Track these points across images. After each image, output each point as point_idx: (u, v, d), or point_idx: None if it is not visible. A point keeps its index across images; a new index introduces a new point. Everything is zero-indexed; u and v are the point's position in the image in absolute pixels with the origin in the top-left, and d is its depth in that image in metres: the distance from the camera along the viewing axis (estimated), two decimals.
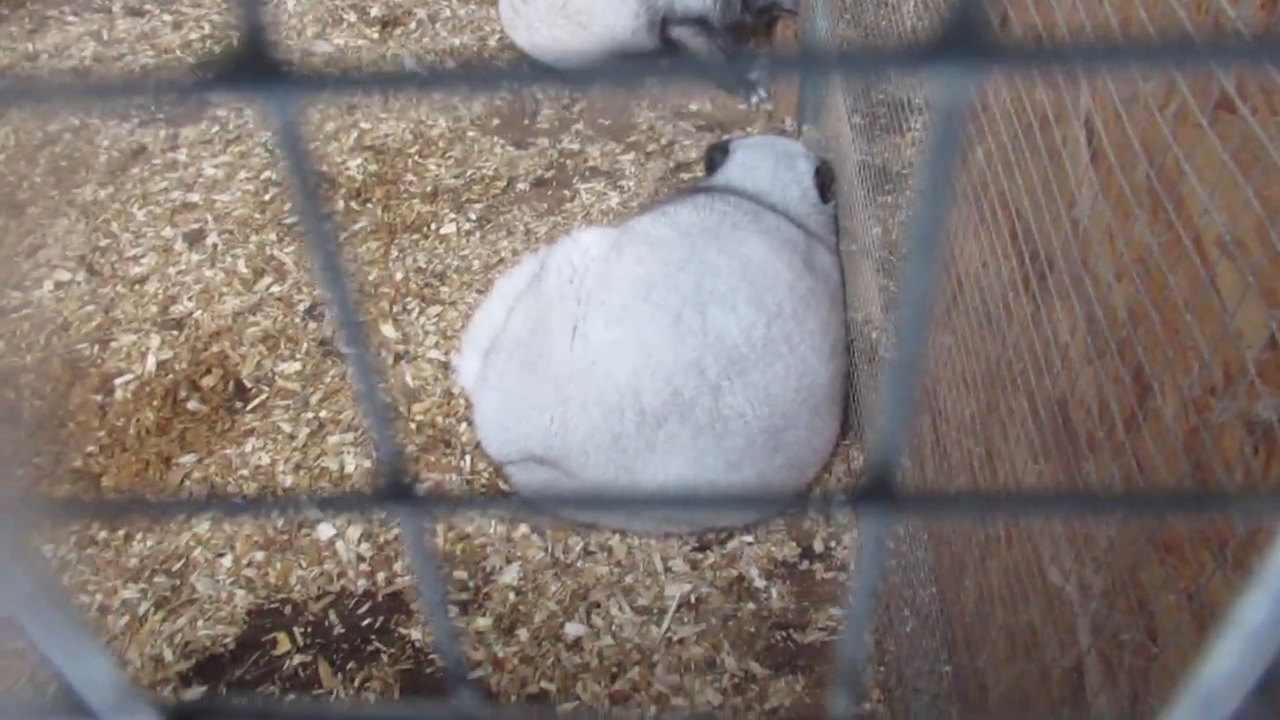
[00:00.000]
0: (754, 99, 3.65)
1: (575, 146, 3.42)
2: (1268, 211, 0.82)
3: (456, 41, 3.92)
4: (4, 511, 0.26)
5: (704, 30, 3.66)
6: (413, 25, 4.03)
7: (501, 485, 2.35)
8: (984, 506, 0.27)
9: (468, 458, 2.41)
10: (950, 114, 0.22)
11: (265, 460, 2.42)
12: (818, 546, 2.25)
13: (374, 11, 4.08)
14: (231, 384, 2.61)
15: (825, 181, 2.65)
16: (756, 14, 3.73)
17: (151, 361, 2.65)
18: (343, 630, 2.10)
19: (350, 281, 0.26)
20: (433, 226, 3.07)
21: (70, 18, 4.11)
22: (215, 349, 2.69)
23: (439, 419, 2.51)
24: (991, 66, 0.21)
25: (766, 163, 2.66)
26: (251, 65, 0.22)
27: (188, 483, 2.37)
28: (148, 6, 4.18)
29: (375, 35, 3.96)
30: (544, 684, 2.00)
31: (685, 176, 3.27)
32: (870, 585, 0.27)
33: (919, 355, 0.24)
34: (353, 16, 4.06)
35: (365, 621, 2.11)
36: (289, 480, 2.37)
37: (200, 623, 2.10)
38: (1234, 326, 0.87)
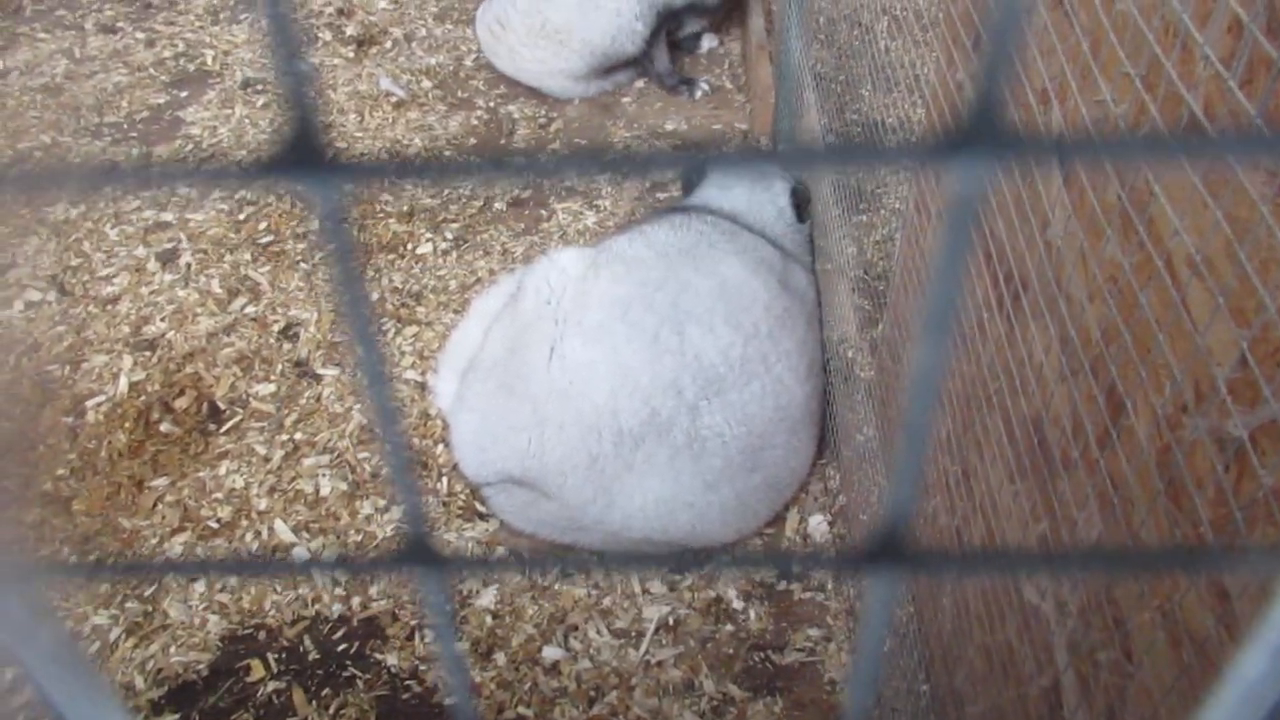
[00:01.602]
0: (698, 94, 3.79)
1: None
2: (1236, 233, 0.83)
3: (432, 61, 3.92)
4: (25, 572, 0.26)
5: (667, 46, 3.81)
6: (388, 44, 4.02)
7: (478, 507, 2.34)
8: (996, 565, 0.27)
9: (445, 479, 2.40)
10: (966, 202, 0.22)
11: (239, 483, 2.39)
12: (795, 567, 2.25)
13: (349, 30, 4.08)
14: (205, 406, 2.58)
15: (801, 202, 2.67)
16: None
17: (123, 383, 2.62)
18: (318, 656, 2.07)
19: (387, 367, 0.27)
20: (409, 246, 3.06)
21: (41, 34, 4.08)
22: (189, 370, 2.66)
23: (415, 440, 2.49)
24: (1009, 158, 0.21)
25: (742, 183, 2.67)
26: (301, 153, 0.23)
27: (160, 506, 2.34)
28: (120, 24, 4.16)
29: (351, 54, 3.95)
30: (521, 709, 1.98)
31: (661, 196, 3.28)
32: (877, 648, 0.27)
33: (929, 422, 0.24)
34: (328, 35, 4.05)
35: (341, 647, 2.09)
36: (263, 504, 2.34)
37: (172, 649, 2.07)
38: (1205, 345, 0.88)
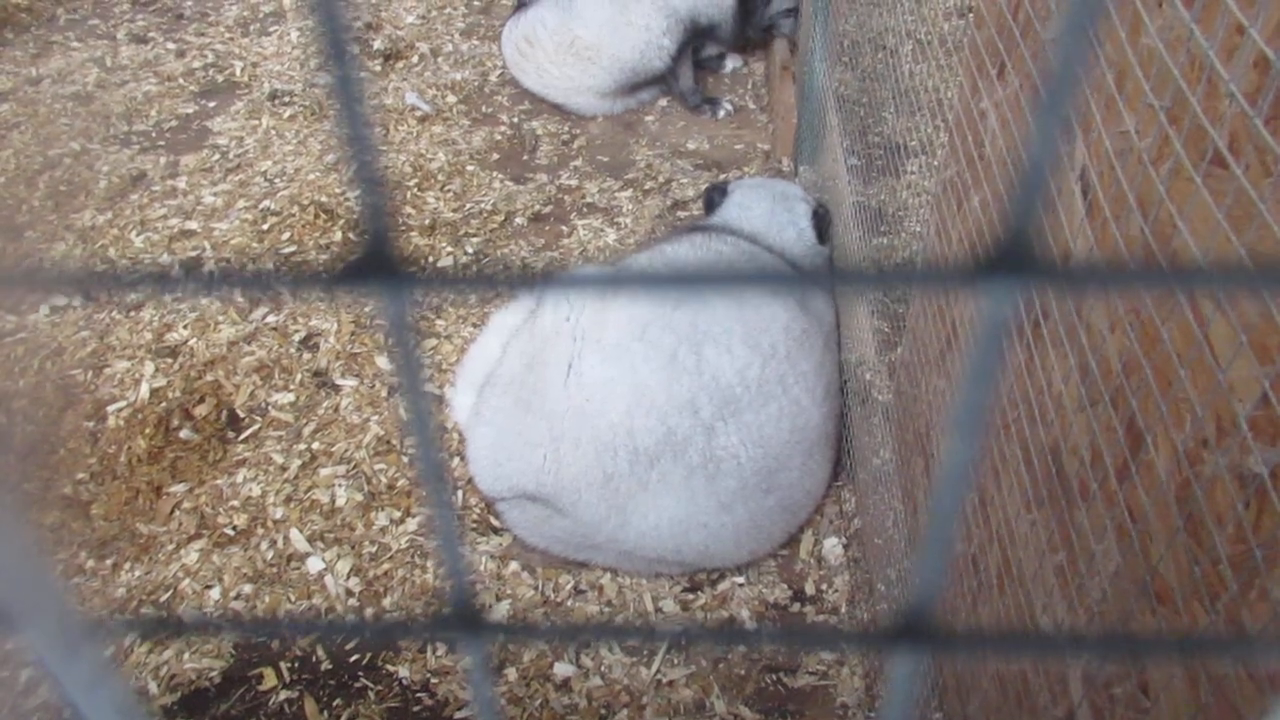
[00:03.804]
0: (720, 113, 3.79)
1: (573, 182, 3.44)
2: (1260, 268, 0.83)
3: (458, 76, 3.96)
4: (92, 631, 0.27)
5: (689, 68, 3.82)
6: (415, 59, 4.06)
7: (492, 521, 2.34)
8: (1021, 648, 0.27)
9: (459, 493, 2.40)
10: (997, 323, 0.22)
11: (256, 491, 2.40)
12: (809, 589, 2.24)
13: (377, 44, 4.12)
14: (224, 413, 2.60)
15: (823, 225, 2.67)
16: (760, 30, 3.89)
17: (145, 389, 2.65)
18: (330, 666, 2.08)
19: (436, 442, 0.27)
20: (430, 259, 3.08)
21: (74, 44, 4.13)
22: (209, 378, 2.68)
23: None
24: (1043, 283, 0.22)
25: (764, 203, 2.68)
26: (375, 263, 0.24)
27: (178, 512, 2.36)
28: (151, 35, 4.22)
29: (378, 68, 3.99)
30: None
31: (682, 215, 3.29)
32: None
33: (956, 514, 0.25)
34: (355, 49, 4.09)
35: (353, 658, 2.09)
36: (279, 512, 2.35)
37: (186, 656, 2.08)
38: (1227, 381, 0.88)
